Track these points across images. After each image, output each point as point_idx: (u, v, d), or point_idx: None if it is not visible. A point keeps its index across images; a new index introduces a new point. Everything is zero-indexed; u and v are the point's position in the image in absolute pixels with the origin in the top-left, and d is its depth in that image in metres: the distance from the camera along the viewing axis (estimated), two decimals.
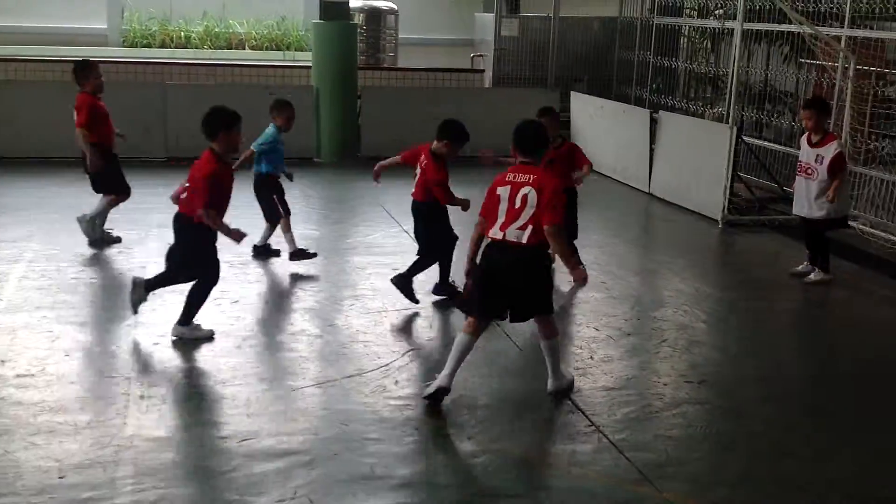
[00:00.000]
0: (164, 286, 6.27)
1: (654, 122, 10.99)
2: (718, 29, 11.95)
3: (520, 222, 5.16)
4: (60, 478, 4.33)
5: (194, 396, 5.26)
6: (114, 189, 8.34)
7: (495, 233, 5.24)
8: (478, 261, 5.37)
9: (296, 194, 9.64)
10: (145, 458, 4.53)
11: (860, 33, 9.43)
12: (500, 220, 5.22)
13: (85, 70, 8.34)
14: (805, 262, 7.89)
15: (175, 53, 15.84)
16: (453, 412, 5.19)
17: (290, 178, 8.17)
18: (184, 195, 5.99)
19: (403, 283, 6.88)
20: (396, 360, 5.89)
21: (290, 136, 12.59)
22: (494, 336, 6.41)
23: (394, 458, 4.65)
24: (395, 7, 16.22)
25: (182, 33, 16.68)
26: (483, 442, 4.86)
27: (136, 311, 6.23)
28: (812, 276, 7.79)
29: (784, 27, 10.45)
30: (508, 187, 5.23)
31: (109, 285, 7.12)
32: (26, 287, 6.97)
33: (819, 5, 10.01)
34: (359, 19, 15.25)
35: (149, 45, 16.41)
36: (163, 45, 16.45)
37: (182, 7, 16.84)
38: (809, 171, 7.65)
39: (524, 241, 5.16)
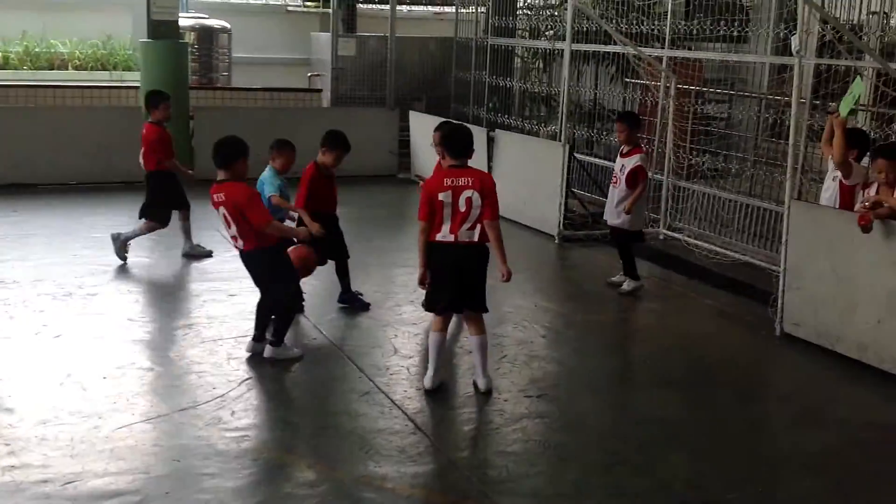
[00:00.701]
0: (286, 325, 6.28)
1: (490, 140, 11.18)
2: (550, 50, 12.32)
3: (468, 223, 5.56)
4: None
5: (12, 439, 4.88)
6: (151, 216, 8.54)
7: (445, 236, 5.58)
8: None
9: (123, 220, 9.23)
10: None
11: (680, 54, 9.93)
12: (448, 223, 5.57)
13: (154, 99, 8.56)
14: (620, 272, 8.19)
15: None
16: (291, 441, 5.05)
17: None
18: (237, 240, 6.02)
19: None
20: (232, 389, 5.69)
21: (114, 159, 12.13)
22: (334, 359, 6.31)
23: (230, 493, 4.47)
24: (227, 26, 15.86)
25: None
26: (323, 470, 4.75)
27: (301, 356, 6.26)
28: (624, 285, 8.10)
29: (610, 48, 10.88)
30: (450, 192, 5.53)
31: None
32: None
33: (642, 27, 10.48)
34: (190, 38, 14.82)
35: None
36: None
37: None
38: (615, 180, 8.02)
39: (475, 239, 5.59)
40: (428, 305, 5.87)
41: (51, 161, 11.76)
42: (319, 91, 14.47)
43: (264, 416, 5.41)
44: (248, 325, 6.80)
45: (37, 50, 15.90)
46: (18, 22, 15.97)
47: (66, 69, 15.82)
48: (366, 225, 10.04)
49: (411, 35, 15.20)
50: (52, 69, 15.69)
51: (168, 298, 7.47)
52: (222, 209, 5.94)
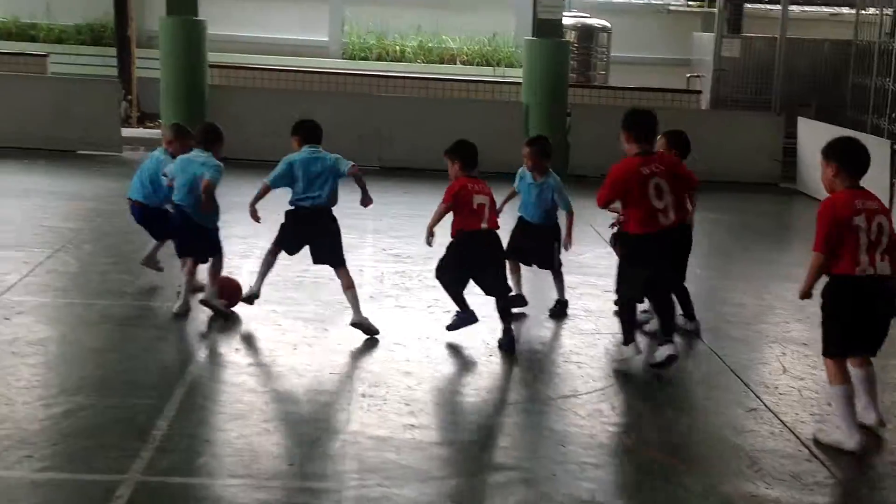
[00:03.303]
0: None
1: (894, 154, 10.12)
2: None
3: None
4: (290, 465, 4.42)
5: (411, 400, 5.22)
6: None
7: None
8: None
9: (504, 209, 9.52)
10: (368, 455, 4.55)
11: None
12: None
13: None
14: None
15: (390, 66, 16.24)
16: (672, 444, 4.87)
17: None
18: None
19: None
20: (612, 384, 5.63)
21: (497, 151, 12.38)
22: (716, 369, 6.00)
23: (614, 487, 4.44)
24: (608, 25, 15.94)
25: (398, 47, 17.10)
26: (708, 482, 4.51)
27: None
28: None
29: None
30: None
31: (332, 283, 7.20)
32: None
33: None
34: (571, 36, 15.09)
35: (366, 58, 16.91)
36: (379, 59, 16.91)
37: (398, 22, 17.27)
38: None
39: None
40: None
41: (437, 149, 12.52)
42: (699, 93, 14.07)
43: (643, 414, 5.29)
44: None
45: (430, 45, 17.11)
46: (414, 18, 17.30)
47: (455, 63, 16.85)
48: (745, 233, 9.58)
49: (802, 37, 14.27)
50: (442, 63, 16.79)
51: (546, 287, 7.57)
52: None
